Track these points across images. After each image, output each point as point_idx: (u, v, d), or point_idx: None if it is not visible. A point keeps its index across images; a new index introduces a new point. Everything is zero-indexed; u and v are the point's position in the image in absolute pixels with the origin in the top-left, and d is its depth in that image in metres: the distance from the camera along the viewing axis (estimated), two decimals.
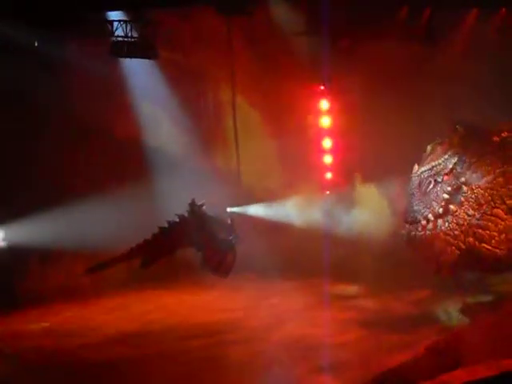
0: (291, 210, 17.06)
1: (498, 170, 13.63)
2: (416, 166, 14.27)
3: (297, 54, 17.21)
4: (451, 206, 13.46)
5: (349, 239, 15.82)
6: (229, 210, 13.68)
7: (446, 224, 13.46)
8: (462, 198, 13.52)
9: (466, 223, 13.44)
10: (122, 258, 13.34)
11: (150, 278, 15.77)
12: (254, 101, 16.81)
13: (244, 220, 15.17)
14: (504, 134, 14.16)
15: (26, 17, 14.42)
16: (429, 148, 14.41)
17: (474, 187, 13.47)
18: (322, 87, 17.15)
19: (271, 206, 17.30)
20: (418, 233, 13.59)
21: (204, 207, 13.11)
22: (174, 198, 14.72)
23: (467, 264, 13.58)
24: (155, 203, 15.54)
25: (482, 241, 13.46)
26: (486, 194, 13.47)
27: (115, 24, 14.69)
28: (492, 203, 13.46)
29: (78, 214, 14.99)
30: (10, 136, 15.12)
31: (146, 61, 15.48)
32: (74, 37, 15.01)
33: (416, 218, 13.74)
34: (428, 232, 13.57)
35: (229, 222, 13.63)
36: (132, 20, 14.73)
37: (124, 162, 16.30)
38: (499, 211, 13.45)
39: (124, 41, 14.72)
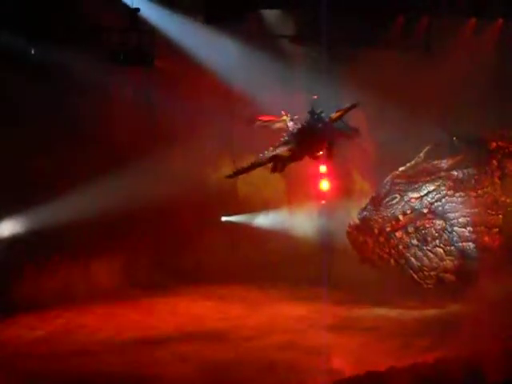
0: (287, 219, 17.13)
1: (467, 210, 14.00)
2: (394, 173, 14.49)
3: (293, 63, 17.29)
4: (397, 234, 13.94)
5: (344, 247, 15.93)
6: None
7: (386, 243, 13.98)
8: (411, 229, 13.93)
9: (405, 248, 14.07)
10: (257, 164, 13.49)
11: (146, 286, 15.92)
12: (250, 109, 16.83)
13: None
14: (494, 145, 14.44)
15: (23, 25, 14.52)
16: (421, 155, 14.61)
17: (427, 224, 13.93)
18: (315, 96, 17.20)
19: (267, 215, 17.37)
20: (360, 240, 14.41)
21: (323, 114, 13.30)
22: None
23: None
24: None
25: (410, 267, 14.22)
26: (437, 234, 13.93)
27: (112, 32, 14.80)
28: (437, 241, 13.94)
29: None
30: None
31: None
32: (71, 44, 15.09)
33: (368, 224, 14.36)
34: (366, 242, 14.35)
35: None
36: (129, 28, 14.78)
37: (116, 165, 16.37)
38: (441, 251, 13.92)
39: (121, 48, 14.78)
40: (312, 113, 13.13)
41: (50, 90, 15.48)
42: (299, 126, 13.27)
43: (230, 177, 13.69)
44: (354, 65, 16.46)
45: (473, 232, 14.10)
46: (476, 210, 14.17)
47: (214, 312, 14.42)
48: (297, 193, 17.68)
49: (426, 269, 14.10)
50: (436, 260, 14.08)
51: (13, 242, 15.23)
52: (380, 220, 14.41)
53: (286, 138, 13.30)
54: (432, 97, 16.30)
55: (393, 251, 14.23)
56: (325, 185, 17.18)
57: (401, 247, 14.20)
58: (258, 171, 17.07)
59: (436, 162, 14.70)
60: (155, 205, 15.93)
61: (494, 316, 11.74)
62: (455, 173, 14.47)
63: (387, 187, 14.63)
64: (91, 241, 15.87)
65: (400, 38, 16.71)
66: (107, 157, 16.23)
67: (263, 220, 17.38)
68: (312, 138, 13.14)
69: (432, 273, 14.08)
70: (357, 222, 14.79)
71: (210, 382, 10.71)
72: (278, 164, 13.35)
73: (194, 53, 15.96)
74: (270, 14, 16.72)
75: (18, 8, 14.78)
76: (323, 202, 17.31)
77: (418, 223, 14.14)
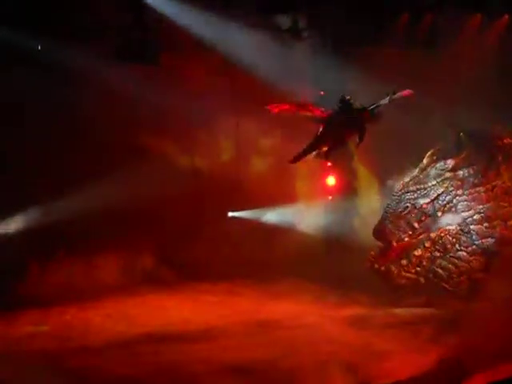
0: (293, 215, 17.10)
1: (479, 207, 13.92)
2: (401, 183, 14.45)
3: (298, 60, 17.28)
4: (415, 252, 13.98)
5: (351, 244, 15.89)
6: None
7: (409, 264, 13.89)
8: (428, 244, 13.88)
9: (429, 262, 14.07)
10: (309, 150, 13.46)
11: (150, 282, 15.89)
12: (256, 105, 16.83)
13: None
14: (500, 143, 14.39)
15: (28, 21, 14.53)
16: (424, 161, 14.57)
17: (441, 234, 13.83)
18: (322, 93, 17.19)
19: (273, 210, 17.36)
20: (383, 270, 14.25)
21: (352, 100, 13.20)
22: None
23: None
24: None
25: (440, 279, 14.06)
26: (454, 240, 13.84)
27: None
28: (458, 246, 13.86)
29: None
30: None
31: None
32: (75, 41, 15.10)
33: (381, 237, 14.35)
34: (390, 269, 14.16)
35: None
36: (134, 24, 14.81)
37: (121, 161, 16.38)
38: (464, 254, 13.81)
39: (126, 45, 14.82)
40: (343, 100, 13.12)
41: (52, 87, 15.48)
42: (331, 113, 13.19)
43: (292, 162, 13.76)
44: (359, 62, 16.45)
45: (489, 227, 13.99)
46: (488, 204, 14.08)
47: (219, 308, 14.38)
48: (303, 188, 17.69)
49: (455, 275, 13.99)
50: (462, 264, 13.99)
51: (17, 238, 15.25)
52: (396, 232, 14.37)
53: (324, 125, 13.27)
54: (438, 94, 16.25)
55: (418, 269, 14.15)
56: (331, 181, 17.22)
57: (425, 263, 14.13)
58: (262, 167, 17.30)
59: (440, 165, 14.67)
60: (160, 201, 15.94)
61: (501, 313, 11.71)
62: (461, 172, 14.43)
63: (397, 198, 14.62)
64: (95, 237, 15.83)
65: (405, 34, 16.70)
66: (110, 154, 16.26)
67: (269, 216, 17.39)
68: (344, 125, 13.11)
69: (462, 277, 13.98)
70: (373, 253, 14.73)
71: (211, 381, 10.59)
72: (322, 151, 13.38)
73: (200, 46, 16.00)
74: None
75: (22, 4, 14.81)
76: (330, 197, 17.34)
77: (433, 235, 14.09)
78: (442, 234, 14.10)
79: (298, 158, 13.46)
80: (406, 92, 12.91)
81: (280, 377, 10.48)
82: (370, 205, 16.74)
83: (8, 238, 15.17)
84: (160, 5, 15.37)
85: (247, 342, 12.03)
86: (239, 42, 16.44)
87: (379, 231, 14.53)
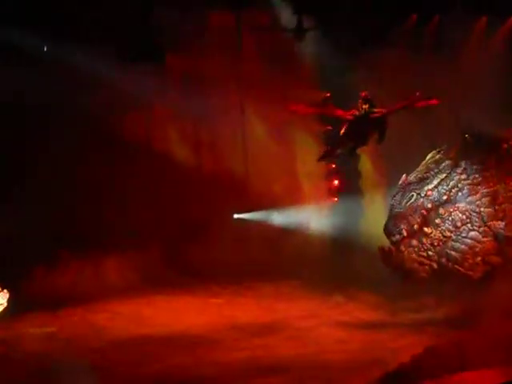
0: (299, 217, 17.11)
1: (485, 190, 13.75)
2: (404, 176, 14.38)
3: (304, 60, 17.30)
4: (425, 229, 13.59)
5: (357, 245, 15.86)
6: None
7: (420, 245, 13.63)
8: (438, 220, 13.67)
9: (441, 244, 13.61)
10: (334, 149, 13.65)
11: (158, 283, 15.89)
12: (262, 106, 16.86)
13: None
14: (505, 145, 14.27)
15: (31, 21, 14.55)
16: (428, 157, 14.50)
17: (451, 209, 13.65)
18: (328, 94, 17.21)
19: (279, 212, 17.36)
20: (391, 249, 13.77)
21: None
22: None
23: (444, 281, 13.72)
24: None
25: (455, 262, 13.66)
26: (464, 217, 13.64)
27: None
28: (469, 225, 13.61)
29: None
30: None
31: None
32: (82, 41, 15.13)
33: (391, 232, 13.91)
34: (400, 251, 13.71)
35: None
36: (141, 25, 14.82)
37: (128, 162, 16.37)
38: (477, 234, 13.56)
39: (130, 45, 14.84)
40: (366, 99, 13.12)
41: (54, 87, 15.48)
42: (355, 112, 13.21)
43: (319, 160, 13.99)
44: (365, 63, 16.46)
45: (499, 210, 13.73)
46: (495, 188, 13.90)
47: (227, 309, 14.40)
48: (309, 190, 17.71)
49: (469, 257, 13.65)
50: (476, 244, 13.68)
51: (23, 240, 15.24)
52: (405, 222, 14.16)
53: (347, 124, 13.31)
54: (445, 96, 16.22)
55: (430, 253, 13.82)
56: (337, 182, 17.24)
57: (436, 244, 13.85)
58: (269, 167, 17.31)
59: (440, 155, 14.54)
60: (166, 202, 15.96)
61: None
62: (462, 162, 14.23)
63: (401, 191, 14.48)
64: (102, 238, 15.86)
65: (411, 36, 16.70)
66: (114, 155, 16.28)
67: (276, 217, 17.41)
68: (366, 124, 13.15)
69: (477, 259, 13.68)
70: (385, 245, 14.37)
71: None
72: (348, 148, 13.49)
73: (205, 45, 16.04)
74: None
75: (23, 4, 14.84)
76: (336, 199, 17.36)
77: (442, 211, 13.86)
78: (452, 210, 13.86)
79: (323, 157, 13.56)
80: (433, 101, 12.93)
81: (289, 378, 10.42)
82: (376, 205, 16.74)
83: (14, 240, 15.16)
84: (164, 4, 15.42)
85: (255, 343, 11.99)
86: (244, 41, 16.50)
87: (389, 226, 14.33)
